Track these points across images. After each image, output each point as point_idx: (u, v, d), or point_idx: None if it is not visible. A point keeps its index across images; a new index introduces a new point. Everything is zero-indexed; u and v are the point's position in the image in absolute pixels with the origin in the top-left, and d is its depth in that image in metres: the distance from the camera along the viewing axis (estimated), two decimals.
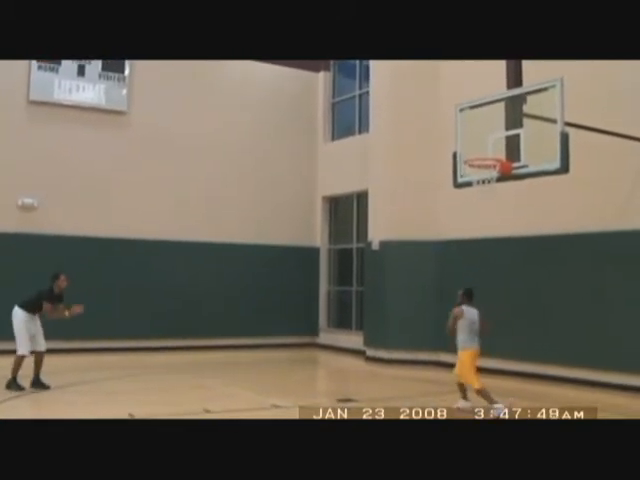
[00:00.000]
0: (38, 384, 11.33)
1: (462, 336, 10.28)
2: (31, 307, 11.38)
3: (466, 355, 10.23)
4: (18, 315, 11.38)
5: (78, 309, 11.49)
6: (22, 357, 11.26)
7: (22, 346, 11.26)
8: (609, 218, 12.21)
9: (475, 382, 10.01)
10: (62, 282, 11.54)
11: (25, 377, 11.26)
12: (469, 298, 10.45)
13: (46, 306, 11.33)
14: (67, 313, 11.44)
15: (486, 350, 12.39)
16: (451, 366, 14.70)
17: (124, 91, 17.68)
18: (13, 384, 11.15)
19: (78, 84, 17.19)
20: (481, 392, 9.93)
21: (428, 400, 10.91)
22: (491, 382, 12.97)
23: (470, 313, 10.32)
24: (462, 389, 10.48)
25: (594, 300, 12.47)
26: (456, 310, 10.34)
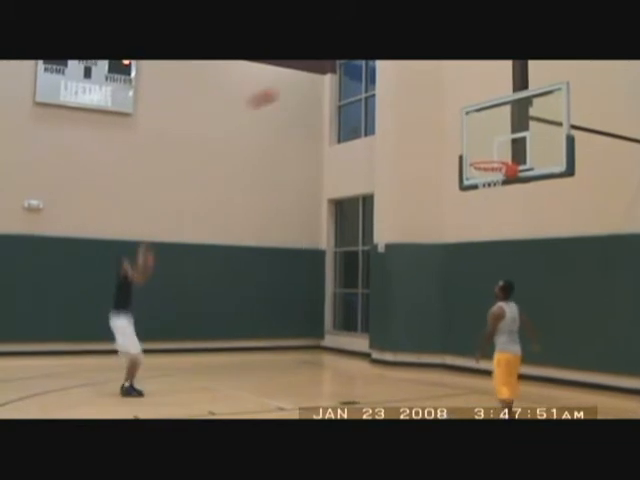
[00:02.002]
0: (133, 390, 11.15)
1: (501, 338, 8.72)
2: (123, 302, 11.28)
3: (503, 358, 8.67)
4: (120, 318, 11.19)
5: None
6: (138, 357, 11.06)
7: (134, 345, 11.07)
8: (615, 221, 12.20)
9: (503, 391, 8.51)
10: (126, 266, 11.41)
11: (33, 379, 11.22)
12: (508, 293, 8.94)
13: (130, 273, 11.23)
14: (146, 255, 11.43)
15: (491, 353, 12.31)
16: (457, 369, 14.75)
17: (130, 93, 17.72)
18: (131, 390, 10.95)
19: (84, 86, 17.23)
20: (505, 403, 8.41)
21: (433, 403, 10.88)
22: None
23: (511, 311, 8.82)
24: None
25: (600, 303, 12.45)
26: (495, 309, 8.81)
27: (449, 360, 15.16)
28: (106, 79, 17.44)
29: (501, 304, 8.82)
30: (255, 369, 15.53)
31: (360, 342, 17.81)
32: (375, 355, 16.36)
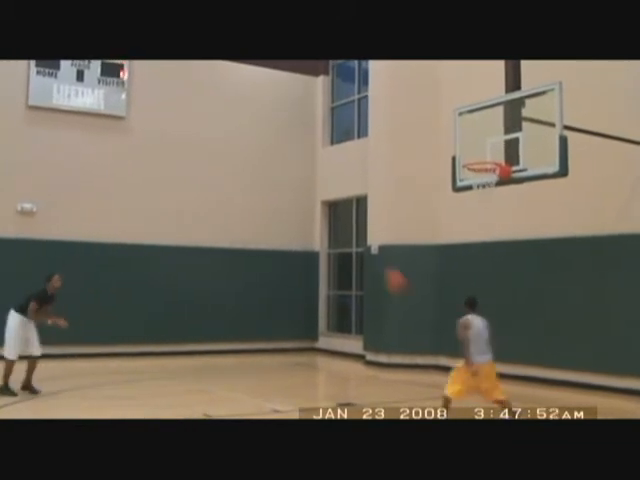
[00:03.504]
0: (28, 388, 11.18)
1: (469, 348, 9.19)
2: (24, 310, 11.19)
3: (466, 368, 9.18)
4: (11, 318, 11.23)
5: (61, 322, 11.19)
6: (12, 362, 11.10)
7: (10, 351, 11.11)
8: (610, 221, 12.23)
9: (450, 389, 9.12)
10: (56, 282, 11.37)
11: (18, 382, 11.16)
12: (472, 307, 9.49)
13: (32, 306, 11.09)
14: (50, 321, 11.18)
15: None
16: (450, 370, 14.74)
17: (123, 96, 17.69)
18: (5, 390, 10.98)
19: (77, 89, 17.21)
20: (446, 400, 9.02)
21: (429, 404, 10.89)
22: None
23: (477, 323, 9.32)
24: (502, 403, 9.17)
25: (595, 303, 12.48)
26: (461, 320, 9.37)
27: (443, 361, 15.15)
28: (99, 82, 17.41)
29: (468, 316, 9.33)
30: (249, 371, 15.52)
31: (354, 344, 17.82)
32: (369, 357, 16.36)
